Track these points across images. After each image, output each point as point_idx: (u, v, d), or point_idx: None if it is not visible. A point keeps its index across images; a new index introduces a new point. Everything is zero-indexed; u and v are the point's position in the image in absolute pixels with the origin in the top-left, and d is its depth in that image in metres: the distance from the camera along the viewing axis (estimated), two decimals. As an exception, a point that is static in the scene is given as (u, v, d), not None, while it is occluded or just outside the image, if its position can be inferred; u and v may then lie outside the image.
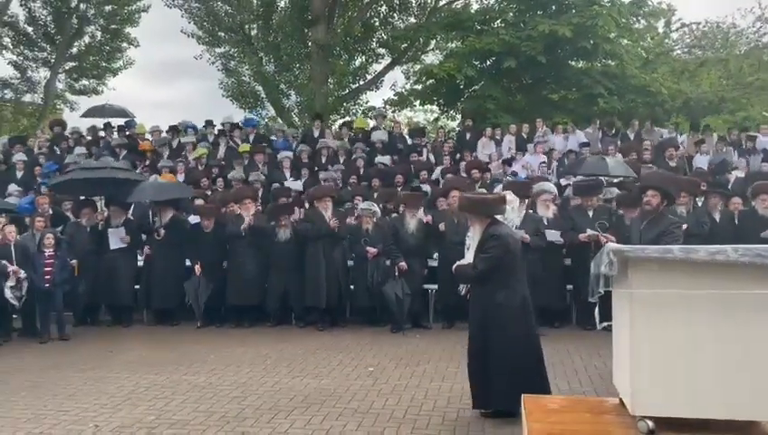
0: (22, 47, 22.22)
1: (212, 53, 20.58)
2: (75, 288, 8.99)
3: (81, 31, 22.55)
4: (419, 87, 17.69)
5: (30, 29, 22.06)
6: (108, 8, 22.46)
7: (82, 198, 9.95)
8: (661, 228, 5.81)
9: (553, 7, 16.81)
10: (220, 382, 6.19)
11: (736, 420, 3.35)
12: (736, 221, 8.55)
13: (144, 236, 9.76)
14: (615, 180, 9.74)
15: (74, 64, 23.17)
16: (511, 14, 17.39)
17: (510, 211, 5.57)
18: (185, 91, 52.02)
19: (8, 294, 8.16)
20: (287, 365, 6.84)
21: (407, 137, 13.91)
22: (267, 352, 7.51)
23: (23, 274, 8.21)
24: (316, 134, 13.71)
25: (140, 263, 9.62)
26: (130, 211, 10.20)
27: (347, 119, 17.77)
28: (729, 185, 10.26)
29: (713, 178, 10.23)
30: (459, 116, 17.29)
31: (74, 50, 22.97)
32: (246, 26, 20.00)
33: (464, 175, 11.22)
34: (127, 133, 14.18)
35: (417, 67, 19.31)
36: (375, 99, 35.82)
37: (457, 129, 15.85)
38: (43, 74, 22.65)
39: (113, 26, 22.96)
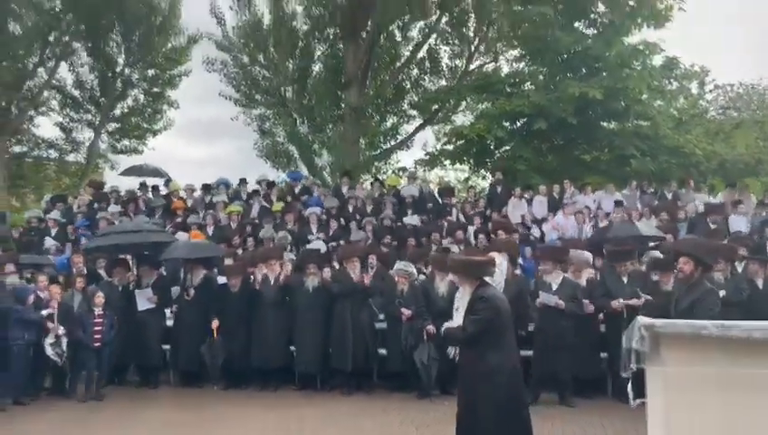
0: (68, 109, 23.24)
1: (248, 114, 21.22)
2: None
3: (125, 94, 23.52)
4: (450, 147, 17.85)
5: (77, 92, 23.11)
6: (150, 72, 23.45)
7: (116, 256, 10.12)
8: (695, 296, 5.54)
9: (583, 70, 16.95)
10: (242, 449, 6.08)
11: None
12: (778, 289, 8.21)
13: (173, 295, 9.81)
14: (651, 244, 9.52)
15: (117, 126, 24.08)
16: (541, 76, 17.58)
17: (498, 274, 5.50)
18: (222, 150, 53.49)
19: (49, 351, 8.24)
20: (310, 432, 6.69)
21: (437, 196, 13.95)
22: (292, 417, 7.37)
23: (61, 330, 8.30)
24: (345, 190, 13.86)
25: (169, 322, 9.65)
26: (162, 269, 10.30)
27: (378, 177, 17.94)
28: (769, 250, 9.93)
29: (752, 242, 9.92)
30: (489, 175, 17.35)
31: (117, 111, 23.91)
32: (282, 89, 20.60)
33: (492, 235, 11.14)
34: (162, 193, 14.52)
35: (448, 128, 19.55)
36: (406, 158, 36.33)
37: (488, 186, 15.86)
38: (87, 135, 23.58)
39: (155, 89, 23.90)
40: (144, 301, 9.34)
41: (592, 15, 17.12)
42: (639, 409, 5.56)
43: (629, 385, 4.31)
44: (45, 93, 22.25)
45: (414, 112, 20.35)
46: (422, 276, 9.37)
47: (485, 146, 16.87)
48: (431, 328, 8.32)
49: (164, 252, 9.47)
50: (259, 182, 14.65)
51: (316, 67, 20.57)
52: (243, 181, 14.65)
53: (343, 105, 19.48)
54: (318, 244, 11.50)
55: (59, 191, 19.67)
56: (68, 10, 20.55)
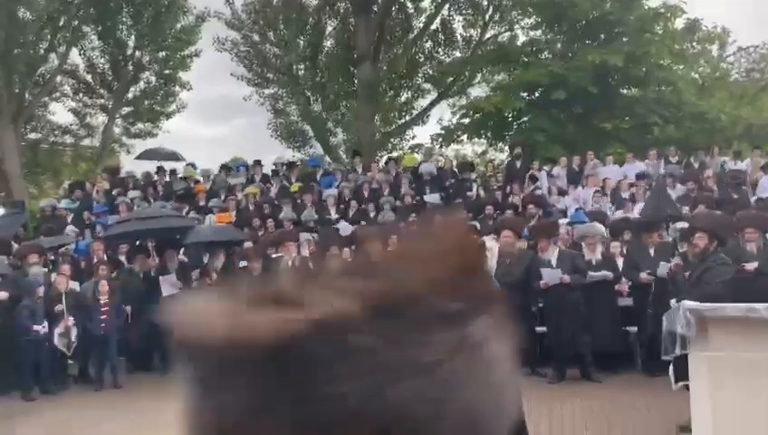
0: (81, 94, 23.16)
1: (261, 93, 21.00)
2: (128, 335, 9.07)
3: (137, 77, 23.36)
4: (466, 121, 17.54)
5: (89, 77, 23.01)
6: (161, 54, 23.24)
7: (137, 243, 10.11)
8: (705, 265, 5.67)
9: (602, 36, 16.50)
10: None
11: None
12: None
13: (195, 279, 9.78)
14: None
15: (130, 109, 23.98)
16: (558, 45, 17.14)
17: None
18: (235, 129, 53.43)
19: (57, 341, 8.26)
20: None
21: (456, 170, 13.74)
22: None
23: (71, 321, 8.30)
24: (359, 170, 13.70)
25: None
26: (181, 252, 10.26)
27: (393, 154, 17.74)
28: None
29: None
30: (507, 148, 17.05)
31: (130, 95, 23.79)
32: (293, 67, 20.33)
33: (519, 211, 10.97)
34: (180, 176, 14.47)
35: (464, 101, 19.16)
36: (421, 134, 35.88)
37: (506, 160, 15.60)
38: (100, 120, 23.52)
39: (166, 71, 23.71)
40: (168, 286, 9.31)
41: (610, -21, 16.60)
42: (667, 383, 5.53)
43: (671, 368, 4.18)
44: (58, 79, 22.16)
45: (428, 86, 19.98)
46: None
47: (503, 118, 16.55)
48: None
49: (186, 237, 9.44)
50: (276, 164, 14.55)
51: (327, 43, 20.25)
52: (257, 163, 14.55)
53: (356, 81, 19.20)
54: (343, 225, 11.42)
55: (76, 177, 19.71)
56: (77, -6, 20.38)
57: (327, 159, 17.45)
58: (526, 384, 7.61)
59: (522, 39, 18.54)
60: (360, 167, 13.97)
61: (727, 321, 3.17)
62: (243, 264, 9.78)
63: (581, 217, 10.00)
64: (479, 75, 19.22)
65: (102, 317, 8.53)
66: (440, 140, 17.89)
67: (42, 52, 20.84)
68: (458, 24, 19.69)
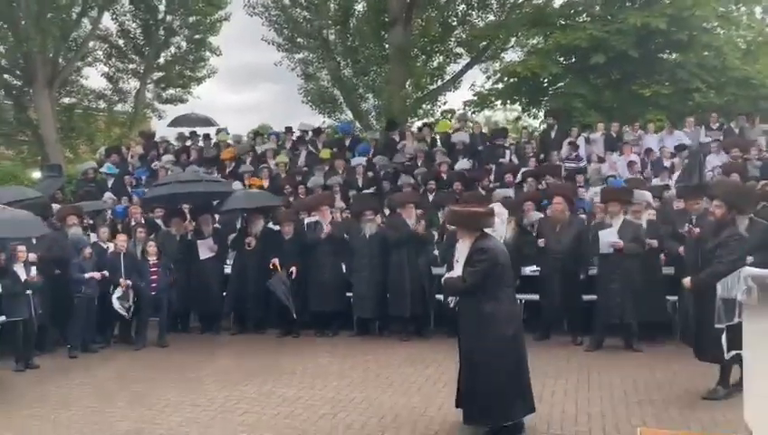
0: (113, 59, 23.31)
1: (291, 58, 20.86)
2: (171, 296, 9.23)
3: (168, 42, 23.40)
4: (500, 86, 17.20)
5: (121, 42, 23.11)
6: (192, 19, 23.20)
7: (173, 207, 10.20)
8: (720, 239, 5.53)
9: (643, -2, 15.92)
10: (309, 396, 6.11)
11: None
12: None
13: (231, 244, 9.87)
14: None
15: (161, 74, 24.09)
16: (598, 7, 16.59)
17: (499, 224, 5.41)
18: (262, 96, 53.52)
19: (116, 304, 8.43)
20: (374, 380, 6.69)
21: (488, 138, 13.52)
22: (352, 364, 7.39)
23: (128, 283, 8.47)
24: (397, 138, 13.57)
25: (227, 271, 9.73)
26: (217, 217, 10.34)
27: (426, 120, 17.51)
28: None
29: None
30: (542, 115, 16.72)
31: (161, 60, 23.88)
32: (324, 31, 20.11)
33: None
34: (213, 142, 14.53)
35: (497, 66, 18.77)
36: (454, 99, 35.40)
37: (541, 128, 15.30)
38: (133, 85, 23.70)
39: (197, 36, 23.69)
40: (205, 250, 9.43)
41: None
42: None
43: (724, 336, 4.08)
44: (90, 44, 22.29)
45: (461, 51, 19.57)
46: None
47: (538, 83, 16.17)
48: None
49: (224, 202, 9.49)
50: (303, 131, 14.50)
51: (359, 7, 19.94)
52: (288, 130, 14.51)
53: (387, 46, 18.93)
54: (370, 190, 11.38)
55: (110, 142, 19.94)
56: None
57: (357, 124, 17.32)
58: (565, 352, 7.59)
59: (559, 1, 17.99)
60: (397, 136, 13.83)
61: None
62: (276, 227, 9.86)
63: (619, 185, 9.80)
64: (513, 39, 18.75)
65: (153, 278, 8.69)
66: (473, 105, 17.60)
67: (74, 16, 20.94)
68: (493, -14, 19.16)
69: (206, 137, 14.73)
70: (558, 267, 8.09)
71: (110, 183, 13.12)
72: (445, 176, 11.61)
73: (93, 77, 24.01)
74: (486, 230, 4.95)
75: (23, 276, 7.43)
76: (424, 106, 19.74)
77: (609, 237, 7.62)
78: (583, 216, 9.27)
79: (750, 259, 5.23)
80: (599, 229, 7.89)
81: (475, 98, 17.62)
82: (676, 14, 14.60)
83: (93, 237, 9.24)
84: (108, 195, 12.33)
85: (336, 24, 19.81)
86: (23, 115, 21.05)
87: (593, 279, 8.10)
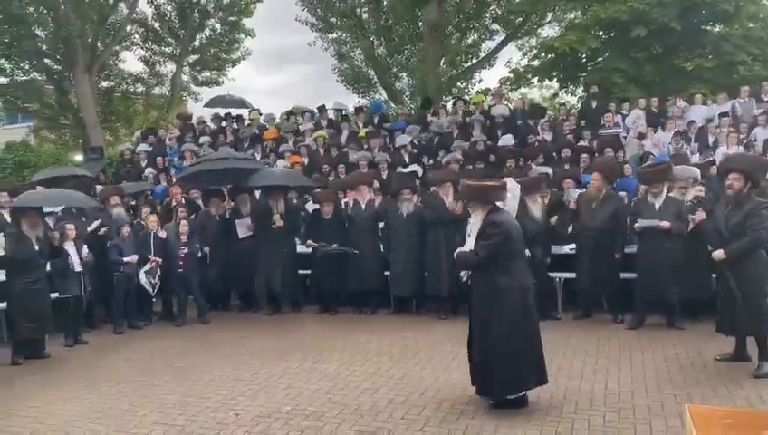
0: (150, 43, 23.61)
1: (324, 39, 20.82)
2: (206, 275, 9.41)
3: (203, 24, 23.59)
4: (536, 63, 16.87)
5: (157, 25, 23.36)
6: (226, 1, 23.31)
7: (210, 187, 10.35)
8: (746, 210, 5.64)
9: (688, -33, 15.35)
10: (349, 372, 6.18)
11: None
12: None
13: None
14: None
15: (197, 57, 24.33)
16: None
17: (511, 198, 5.39)
18: (293, 78, 53.66)
19: (143, 279, 8.63)
20: (414, 356, 6.73)
21: (526, 112, 13.32)
22: (391, 341, 7.44)
23: (159, 261, 8.66)
24: (430, 118, 13.48)
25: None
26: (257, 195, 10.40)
27: (458, 96, 17.30)
28: None
29: None
30: (580, 90, 16.38)
31: (196, 43, 24.10)
32: (358, 10, 20.00)
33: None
34: (247, 123, 14.65)
35: (534, 42, 18.40)
36: (489, 77, 34.85)
37: (579, 103, 14.97)
38: (169, 68, 24.01)
39: (231, 18, 23.81)
40: (244, 229, 9.55)
41: None
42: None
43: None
44: (128, 28, 22.59)
45: (497, 27, 19.25)
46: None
47: (576, 59, 15.81)
48: (526, 252, 8.13)
49: (257, 180, 9.56)
50: (336, 110, 14.49)
51: (393, -16, 19.72)
52: (322, 108, 14.52)
53: (421, 24, 18.72)
54: (414, 168, 11.34)
55: (148, 124, 20.27)
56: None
57: (392, 104, 17.23)
58: (606, 331, 7.51)
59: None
60: (430, 115, 13.74)
61: None
62: (313, 207, 9.93)
63: (663, 161, 9.55)
64: (550, 14, 18.35)
65: (181, 256, 8.86)
66: (509, 83, 17.33)
67: (111, 1, 21.22)
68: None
69: (239, 118, 14.85)
70: (591, 245, 7.95)
71: (143, 164, 13.36)
72: (482, 149, 11.48)
73: (130, 61, 24.39)
74: (498, 204, 4.98)
75: (73, 255, 7.65)
76: (458, 84, 19.54)
77: (649, 223, 7.43)
78: (623, 193, 9.08)
79: None
80: (640, 207, 7.72)
81: (511, 75, 17.35)
82: (722, -16, 14.09)
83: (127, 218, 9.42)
84: (149, 170, 12.58)
85: (369, 2, 19.67)
86: (64, 99, 21.52)
87: (632, 257, 7.95)
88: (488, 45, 19.65)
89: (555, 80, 17.07)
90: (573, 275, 8.32)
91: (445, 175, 9.36)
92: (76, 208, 8.63)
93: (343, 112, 14.39)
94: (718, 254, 5.80)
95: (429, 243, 8.76)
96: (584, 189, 8.68)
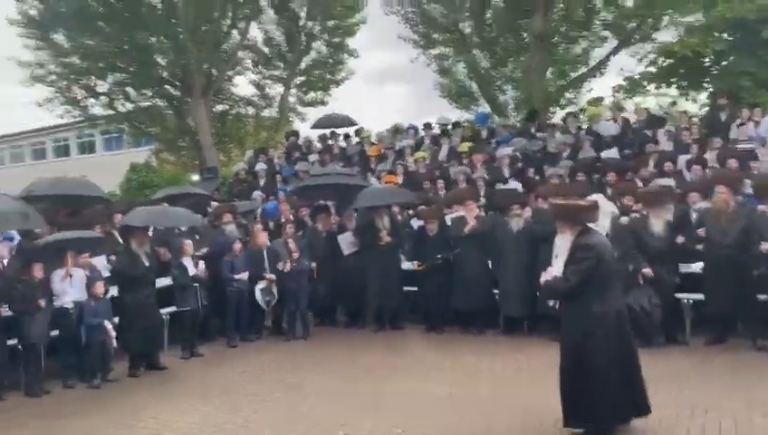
0: (260, 67, 24.63)
1: (427, 55, 20.80)
2: (315, 290, 9.50)
3: (309, 47, 24.31)
4: (653, 69, 15.88)
5: (266, 49, 24.36)
6: (330, 23, 23.94)
7: (318, 203, 10.49)
8: None
9: (826, -41, 13.92)
10: (461, 394, 5.93)
11: None
12: None
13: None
14: None
15: (303, 79, 25.11)
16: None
17: (602, 217, 5.03)
18: (395, 97, 54.35)
19: (259, 296, 8.81)
20: (528, 379, 6.38)
21: (640, 124, 12.51)
22: (504, 363, 7.10)
23: (272, 277, 8.81)
24: (534, 132, 13.01)
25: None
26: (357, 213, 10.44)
27: (570, 110, 16.62)
28: None
29: None
30: (703, 97, 15.24)
31: (303, 65, 24.87)
32: (460, 25, 19.85)
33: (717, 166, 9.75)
34: (356, 141, 14.81)
35: (649, 47, 17.35)
36: (599, 86, 33.33)
37: (703, 112, 13.88)
38: (277, 90, 24.90)
39: (335, 39, 24.41)
40: (347, 245, 9.57)
41: None
42: None
43: None
44: (240, 54, 23.69)
45: (607, 33, 18.36)
46: (635, 215, 8.47)
47: (698, 63, 14.72)
48: (648, 271, 7.58)
49: (361, 198, 9.57)
50: (441, 125, 14.34)
51: (496, -3, 19.42)
52: (427, 126, 14.41)
53: (526, 35, 18.22)
54: (514, 184, 10.96)
55: (258, 145, 21.08)
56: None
57: (496, 118, 16.84)
58: (746, 357, 6.77)
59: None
60: (534, 127, 13.26)
61: None
62: (417, 223, 9.79)
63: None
64: (665, 18, 17.26)
65: (291, 271, 8.97)
66: (623, 91, 16.44)
67: (225, 28, 22.37)
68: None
69: (347, 136, 15.03)
70: (724, 263, 7.23)
71: (261, 182, 13.79)
72: (587, 162, 10.93)
73: (242, 84, 25.54)
74: (589, 225, 4.68)
75: (191, 270, 7.96)
76: (567, 94, 18.81)
77: None
78: (762, 207, 8.22)
79: None
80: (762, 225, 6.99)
81: (625, 83, 16.44)
82: None
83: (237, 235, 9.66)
84: (257, 193, 12.97)
85: (472, 16, 19.45)
86: (182, 123, 22.85)
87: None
88: (599, 53, 18.81)
89: (675, 86, 15.98)
90: (701, 296, 7.62)
91: (466, 193, 9.11)
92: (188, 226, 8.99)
93: (447, 127, 14.21)
94: None
95: (541, 260, 8.31)
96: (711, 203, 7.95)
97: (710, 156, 10.30)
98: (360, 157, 13.64)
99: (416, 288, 9.37)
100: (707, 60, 14.79)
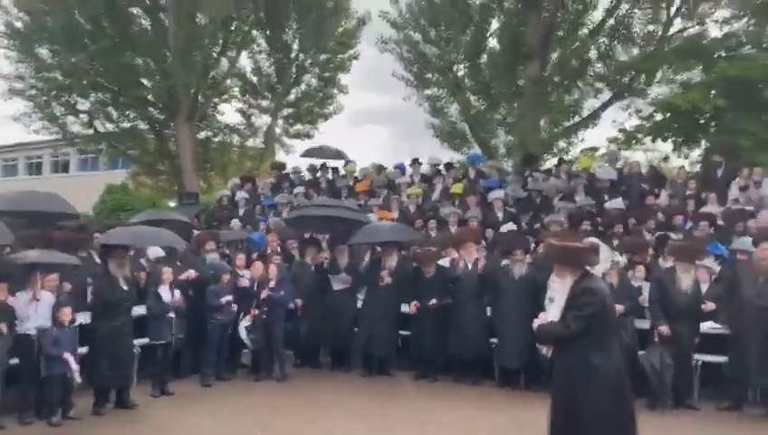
0: (247, 96, 24.27)
1: (420, 94, 20.68)
2: (297, 328, 8.86)
3: (299, 79, 24.07)
4: (646, 123, 15.86)
5: (254, 79, 24.05)
6: (323, 57, 23.77)
7: (307, 236, 9.95)
8: None
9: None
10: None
11: None
12: None
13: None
14: None
15: (291, 111, 24.78)
16: (766, 44, 14.92)
17: (602, 262, 4.75)
18: (380, 135, 54.52)
19: (243, 334, 8.13)
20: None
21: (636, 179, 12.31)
22: (505, 420, 6.53)
23: (257, 312, 8.16)
24: (530, 180, 12.74)
25: (359, 305, 9.24)
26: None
27: (562, 157, 16.47)
28: None
29: None
30: (695, 154, 15.21)
31: (292, 97, 24.58)
32: (454, 67, 19.84)
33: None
34: (342, 174, 14.40)
35: (641, 101, 17.42)
36: (591, 137, 33.56)
37: (696, 168, 13.82)
38: (264, 120, 24.49)
39: (326, 74, 24.23)
40: (339, 282, 9.01)
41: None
42: None
43: None
44: (228, 81, 23.33)
45: (601, 85, 18.42)
46: (666, 267, 8.06)
47: (694, 119, 14.69)
48: (665, 329, 7.16)
49: (354, 236, 9.05)
50: (432, 164, 14.02)
51: (491, 42, 19.46)
52: (415, 161, 14.07)
53: (522, 80, 18.20)
54: (509, 226, 10.57)
55: (242, 174, 20.53)
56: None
57: (489, 162, 16.60)
58: (764, 427, 6.33)
59: (714, 33, 16.47)
60: (528, 172, 13.00)
61: None
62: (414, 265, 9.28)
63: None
64: (659, 74, 17.39)
65: (263, 300, 8.28)
66: (618, 142, 16.36)
67: (215, 55, 22.03)
68: (637, 21, 17.95)
69: (335, 170, 14.62)
70: (761, 326, 6.81)
71: (241, 211, 13.21)
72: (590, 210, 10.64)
73: (228, 112, 25.08)
74: (589, 269, 4.34)
75: (167, 298, 7.28)
76: (559, 142, 18.73)
77: None
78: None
79: None
80: None
81: (620, 135, 16.39)
82: None
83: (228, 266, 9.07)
84: (234, 222, 12.36)
85: (468, 58, 19.44)
86: (163, 146, 22.23)
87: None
88: (591, 104, 18.86)
89: (670, 141, 15.95)
90: (721, 358, 7.18)
91: (467, 234, 8.75)
92: (168, 252, 8.35)
93: (438, 167, 13.89)
94: None
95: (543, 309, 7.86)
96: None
97: (714, 210, 10.10)
98: (348, 191, 13.17)
99: (408, 332, 8.81)
100: (705, 116, 14.78)
